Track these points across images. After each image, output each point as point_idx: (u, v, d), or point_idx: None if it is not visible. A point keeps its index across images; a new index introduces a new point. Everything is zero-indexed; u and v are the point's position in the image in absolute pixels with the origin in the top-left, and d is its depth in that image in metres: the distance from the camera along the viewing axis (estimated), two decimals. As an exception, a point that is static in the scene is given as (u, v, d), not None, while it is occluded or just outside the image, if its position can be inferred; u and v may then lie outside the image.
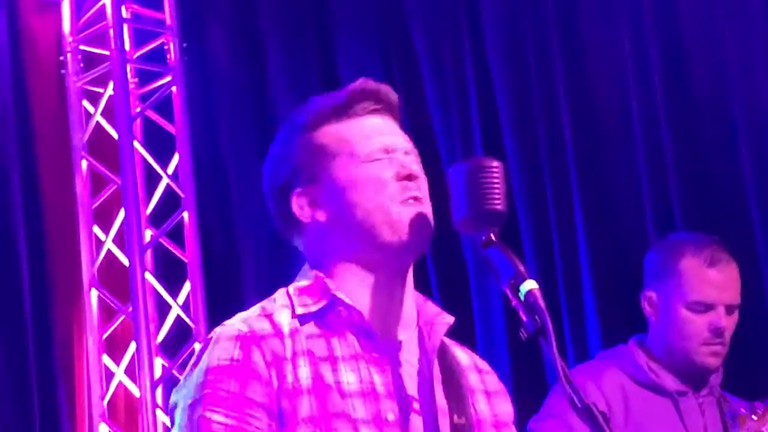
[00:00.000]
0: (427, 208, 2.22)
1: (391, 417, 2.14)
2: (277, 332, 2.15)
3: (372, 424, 2.12)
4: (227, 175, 5.44)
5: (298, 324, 2.17)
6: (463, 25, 4.97)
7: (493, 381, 2.34)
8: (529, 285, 2.07)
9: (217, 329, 2.17)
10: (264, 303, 2.23)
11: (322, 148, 2.24)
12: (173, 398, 2.18)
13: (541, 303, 2.05)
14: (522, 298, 2.06)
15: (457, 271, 4.81)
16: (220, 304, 5.22)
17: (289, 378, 2.11)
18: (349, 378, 2.14)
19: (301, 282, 2.24)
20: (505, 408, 2.33)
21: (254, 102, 5.42)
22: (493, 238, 2.15)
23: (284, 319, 2.17)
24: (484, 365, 2.36)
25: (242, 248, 5.41)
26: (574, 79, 4.71)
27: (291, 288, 2.24)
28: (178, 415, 2.14)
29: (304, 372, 2.12)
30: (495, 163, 2.17)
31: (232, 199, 5.43)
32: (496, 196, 2.14)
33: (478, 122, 4.86)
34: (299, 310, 2.19)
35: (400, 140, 2.27)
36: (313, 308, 2.19)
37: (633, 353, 3.49)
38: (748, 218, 4.34)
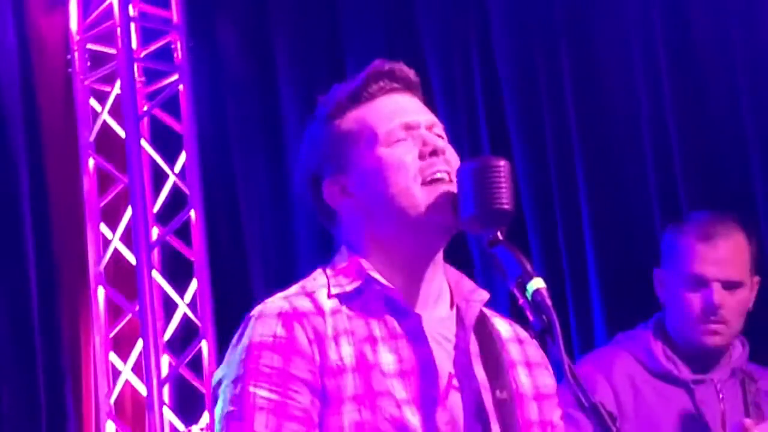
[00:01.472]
0: (454, 187, 2.21)
1: (432, 394, 2.14)
2: (319, 310, 2.16)
3: (413, 403, 2.12)
4: (234, 174, 5.44)
5: (338, 304, 2.18)
6: (471, 26, 4.96)
7: (534, 352, 2.32)
8: (537, 284, 2.07)
9: (258, 307, 2.18)
10: (303, 282, 2.24)
11: (346, 136, 2.26)
12: (216, 376, 2.19)
13: (549, 302, 2.05)
14: (529, 297, 2.07)
15: (464, 269, 4.79)
16: (227, 303, 5.22)
17: (333, 356, 2.12)
18: (387, 359, 2.14)
19: (339, 263, 2.25)
20: (547, 380, 2.32)
21: (261, 100, 5.43)
22: (500, 236, 2.15)
23: (324, 299, 2.18)
24: (526, 336, 2.34)
25: (249, 246, 5.41)
26: (582, 78, 4.70)
27: (328, 269, 2.25)
28: (222, 391, 2.14)
29: (347, 350, 2.13)
30: (502, 162, 2.17)
31: (239, 198, 5.43)
32: (504, 195, 2.14)
33: (485, 121, 4.86)
34: (334, 290, 2.20)
35: (422, 115, 2.28)
36: (348, 288, 2.20)
37: (649, 340, 3.42)
38: (757, 222, 4.33)
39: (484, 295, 2.28)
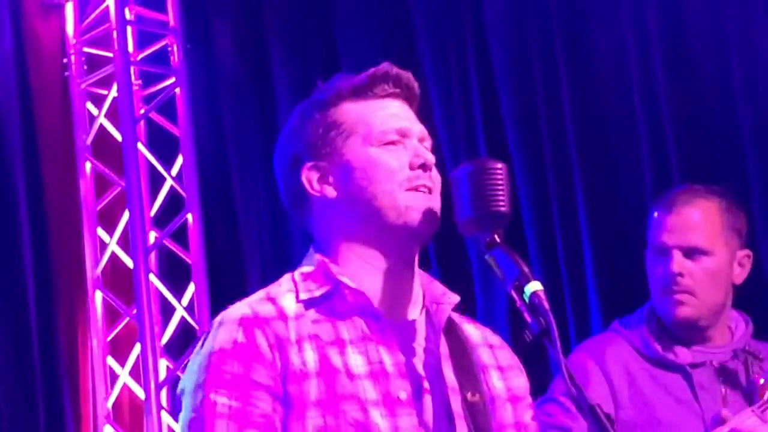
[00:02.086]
0: (435, 200, 2.22)
1: (403, 395, 2.14)
2: (281, 315, 2.16)
3: (382, 405, 2.12)
4: (231, 177, 5.44)
5: (303, 309, 2.18)
6: (466, 27, 4.96)
7: (505, 355, 2.33)
8: (534, 286, 2.07)
9: (222, 314, 2.19)
10: (269, 288, 2.24)
11: (337, 125, 2.26)
12: (180, 384, 2.19)
13: (546, 304, 2.05)
14: (526, 299, 2.07)
15: (462, 272, 4.80)
16: (225, 306, 5.19)
17: (295, 361, 2.12)
18: (356, 361, 2.14)
19: (306, 268, 2.25)
20: (520, 382, 2.32)
21: (258, 103, 5.42)
22: (497, 239, 2.15)
23: (289, 303, 2.18)
24: (495, 340, 2.35)
25: (246, 249, 5.41)
26: (578, 80, 4.70)
27: (296, 274, 2.25)
28: (185, 399, 2.15)
29: (311, 356, 2.13)
30: (499, 165, 2.18)
31: (236, 201, 5.43)
32: (500, 198, 2.15)
33: (482, 124, 4.86)
34: (303, 296, 2.20)
35: (416, 126, 2.29)
36: (317, 293, 2.20)
37: (642, 325, 3.36)
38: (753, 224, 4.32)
39: (454, 297, 2.28)
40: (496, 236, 2.15)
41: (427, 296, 2.28)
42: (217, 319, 2.18)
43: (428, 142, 2.29)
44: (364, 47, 5.17)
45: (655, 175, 4.51)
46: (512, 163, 4.69)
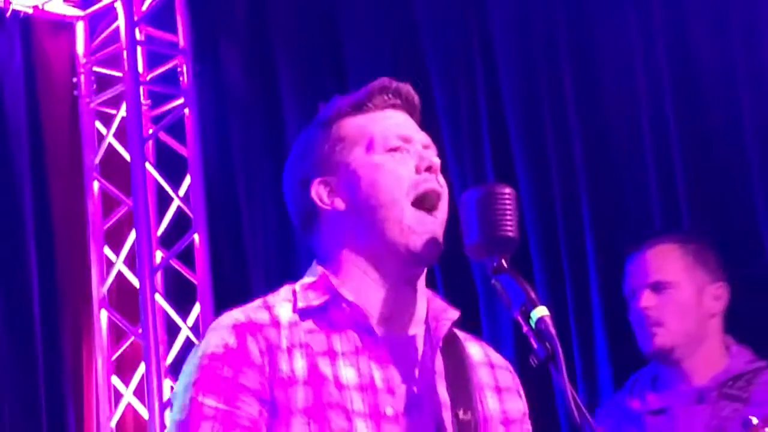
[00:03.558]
0: (440, 224, 2.22)
1: (389, 411, 2.15)
2: (274, 323, 2.18)
3: (369, 418, 2.13)
4: (238, 198, 5.45)
5: (298, 318, 2.20)
6: (475, 50, 4.97)
7: (505, 377, 2.33)
8: (540, 312, 2.07)
9: (217, 319, 2.22)
10: (267, 296, 2.26)
11: (342, 139, 2.28)
12: (175, 386, 2.22)
13: (552, 330, 2.05)
14: (533, 324, 2.06)
15: (467, 296, 4.80)
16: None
17: (284, 368, 2.13)
18: (347, 373, 2.15)
19: (307, 279, 2.27)
20: (516, 405, 2.32)
21: (266, 125, 5.44)
22: (504, 264, 2.15)
23: (284, 312, 2.20)
24: (498, 360, 2.35)
25: (253, 270, 5.41)
26: (587, 105, 4.70)
27: (297, 285, 2.27)
28: (174, 400, 2.18)
29: (300, 363, 2.14)
30: (507, 190, 2.17)
31: (242, 222, 5.44)
32: (508, 223, 2.14)
33: (490, 148, 4.86)
34: (300, 304, 2.21)
35: (418, 134, 2.30)
36: (315, 302, 2.21)
37: (629, 382, 3.54)
38: (761, 242, 4.32)
39: (454, 313, 2.28)
40: (503, 261, 2.15)
41: (430, 312, 2.28)
42: (212, 324, 2.21)
43: (432, 150, 2.30)
44: (372, 68, 5.18)
45: (663, 198, 4.51)
46: (519, 188, 4.69)
